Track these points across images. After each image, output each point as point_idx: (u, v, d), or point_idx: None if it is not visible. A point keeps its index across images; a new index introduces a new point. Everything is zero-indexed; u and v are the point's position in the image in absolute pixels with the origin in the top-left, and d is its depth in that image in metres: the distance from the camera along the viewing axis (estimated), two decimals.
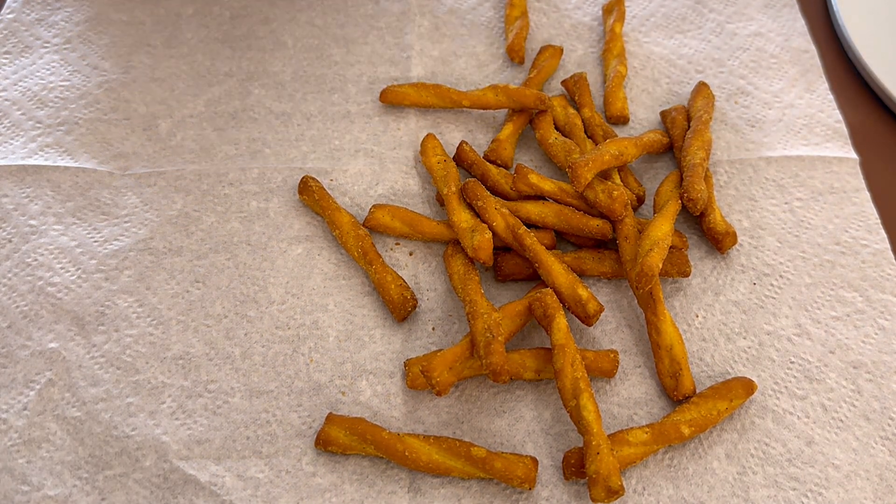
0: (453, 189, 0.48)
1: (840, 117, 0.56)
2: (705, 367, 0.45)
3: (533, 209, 0.48)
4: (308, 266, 0.49)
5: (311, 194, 0.50)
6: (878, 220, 0.51)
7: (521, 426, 0.43)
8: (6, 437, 0.42)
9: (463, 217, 0.47)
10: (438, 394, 0.41)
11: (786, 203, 0.52)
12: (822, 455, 0.42)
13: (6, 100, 0.56)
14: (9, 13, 0.61)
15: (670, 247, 0.47)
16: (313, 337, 0.46)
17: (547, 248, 0.47)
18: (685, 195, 0.48)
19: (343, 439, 0.41)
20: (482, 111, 0.56)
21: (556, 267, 0.45)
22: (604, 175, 0.49)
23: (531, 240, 0.46)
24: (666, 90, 0.58)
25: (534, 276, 0.47)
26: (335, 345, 0.46)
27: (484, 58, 0.60)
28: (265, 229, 0.50)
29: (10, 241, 0.49)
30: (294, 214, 0.51)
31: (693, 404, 0.42)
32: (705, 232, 0.49)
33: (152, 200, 0.51)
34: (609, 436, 0.41)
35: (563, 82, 0.57)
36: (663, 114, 0.56)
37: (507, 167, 0.53)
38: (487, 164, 0.50)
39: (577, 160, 0.47)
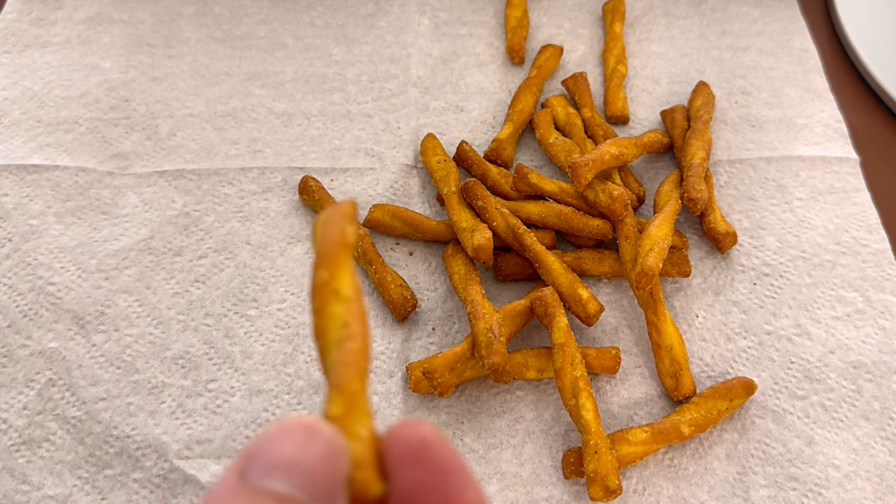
0: (453, 189, 0.48)
1: (840, 117, 0.56)
2: (705, 367, 0.45)
3: (533, 209, 0.48)
4: (308, 266, 0.49)
5: (311, 194, 0.50)
6: (879, 220, 0.51)
7: (521, 426, 0.43)
8: (6, 436, 0.42)
9: (463, 217, 0.47)
10: (441, 395, 0.41)
11: (786, 203, 0.52)
12: (822, 455, 0.42)
13: (6, 99, 0.56)
14: (9, 13, 0.61)
15: (670, 247, 0.47)
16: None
17: (547, 248, 0.47)
18: (685, 195, 0.48)
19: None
20: (482, 111, 0.57)
21: (556, 267, 0.45)
22: (604, 175, 0.49)
23: (531, 240, 0.46)
24: (666, 90, 0.58)
25: (534, 276, 0.47)
26: None
27: (484, 58, 0.60)
28: (265, 229, 0.50)
29: (10, 241, 0.49)
30: (294, 214, 0.51)
31: (693, 404, 0.42)
32: (705, 232, 0.49)
33: (152, 200, 0.51)
34: (609, 435, 0.41)
35: (563, 82, 0.57)
36: (663, 114, 0.56)
37: (507, 167, 0.53)
38: (487, 164, 0.50)
39: (578, 160, 0.47)
